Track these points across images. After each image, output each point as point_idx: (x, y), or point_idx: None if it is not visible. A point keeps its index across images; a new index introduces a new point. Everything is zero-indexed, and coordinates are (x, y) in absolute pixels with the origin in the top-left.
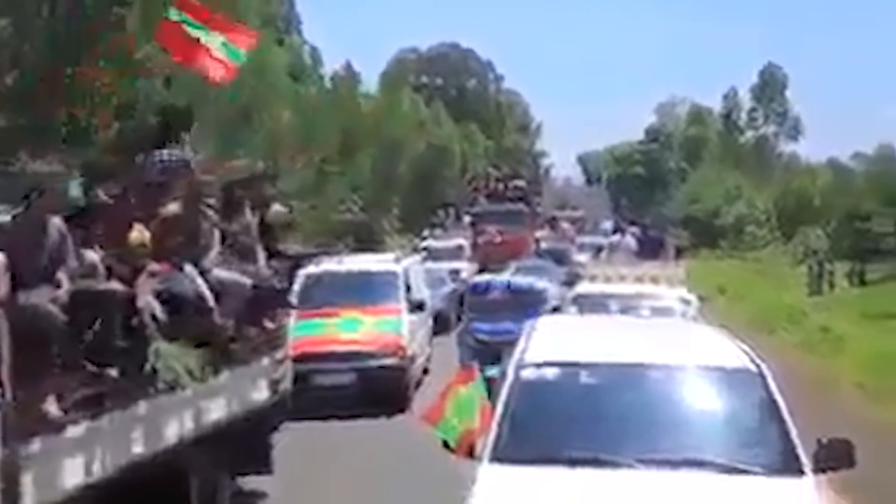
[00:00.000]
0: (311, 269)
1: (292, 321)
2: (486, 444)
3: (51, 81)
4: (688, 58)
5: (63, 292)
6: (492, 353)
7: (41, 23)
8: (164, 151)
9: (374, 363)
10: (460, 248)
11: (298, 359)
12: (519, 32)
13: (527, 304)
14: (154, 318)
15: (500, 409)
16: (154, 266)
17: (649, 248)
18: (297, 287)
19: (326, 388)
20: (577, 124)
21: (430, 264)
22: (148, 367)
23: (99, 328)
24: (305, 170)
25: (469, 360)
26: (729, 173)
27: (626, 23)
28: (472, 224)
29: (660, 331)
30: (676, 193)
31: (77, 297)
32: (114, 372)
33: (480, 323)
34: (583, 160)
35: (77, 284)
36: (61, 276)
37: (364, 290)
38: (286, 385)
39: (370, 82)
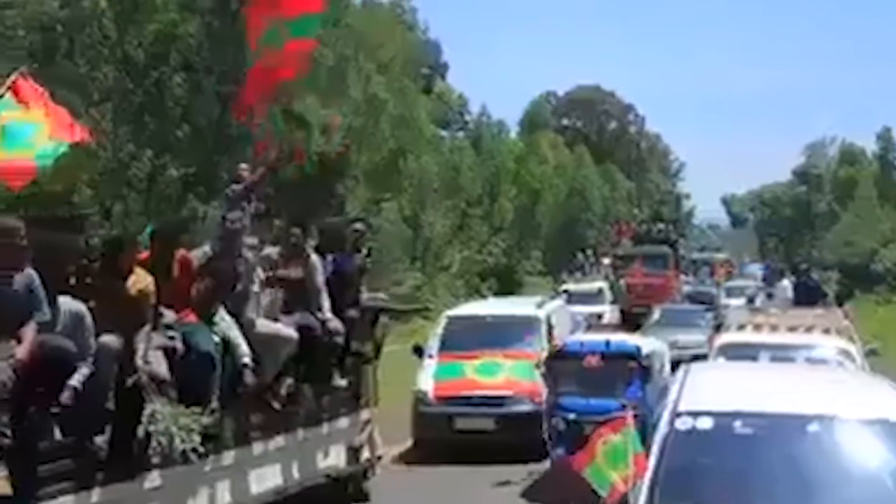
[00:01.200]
0: (455, 311)
1: (433, 364)
2: (638, 496)
3: (217, 133)
4: (837, 97)
5: (23, 350)
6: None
7: (212, 80)
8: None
9: (513, 408)
10: (601, 291)
11: (438, 401)
12: (660, 73)
13: (630, 373)
14: (153, 377)
15: (653, 459)
16: (170, 316)
17: (805, 294)
18: (440, 330)
19: (466, 431)
20: (720, 166)
21: (569, 308)
22: (141, 431)
23: (81, 389)
24: (450, 213)
25: (556, 448)
26: (884, 215)
27: (771, 63)
28: (615, 267)
29: (819, 379)
30: (826, 236)
31: (49, 353)
32: (100, 439)
33: (570, 398)
34: (726, 202)
35: (51, 340)
36: (26, 331)
37: (506, 334)
38: (373, 452)
39: (510, 126)
